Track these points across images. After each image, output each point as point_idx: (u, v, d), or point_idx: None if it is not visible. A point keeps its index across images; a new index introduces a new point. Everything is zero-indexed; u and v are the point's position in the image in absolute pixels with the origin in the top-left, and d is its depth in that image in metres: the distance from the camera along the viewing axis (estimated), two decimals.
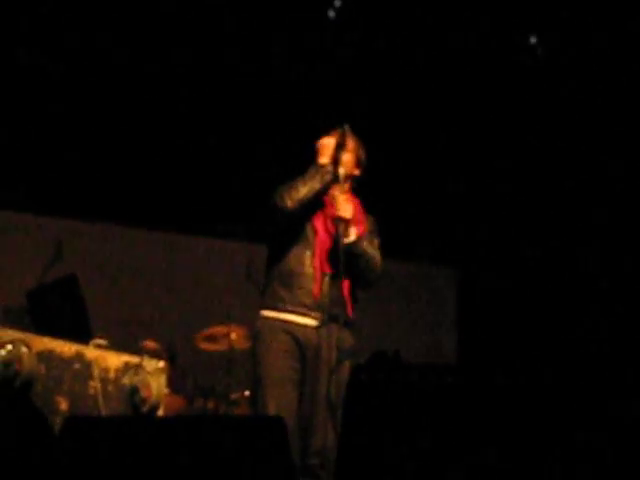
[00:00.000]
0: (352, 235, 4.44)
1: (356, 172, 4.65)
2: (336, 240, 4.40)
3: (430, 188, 9.19)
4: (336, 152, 4.50)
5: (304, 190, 4.38)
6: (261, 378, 4.32)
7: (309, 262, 4.42)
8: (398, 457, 3.65)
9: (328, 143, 4.54)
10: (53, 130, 8.08)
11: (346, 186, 4.56)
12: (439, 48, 8.25)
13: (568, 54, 8.19)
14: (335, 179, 4.47)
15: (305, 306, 4.37)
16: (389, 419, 3.86)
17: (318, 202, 4.49)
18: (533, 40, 8.25)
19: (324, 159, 4.50)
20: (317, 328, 4.35)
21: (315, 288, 4.38)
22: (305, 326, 4.36)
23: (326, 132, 4.61)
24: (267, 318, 4.43)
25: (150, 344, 7.21)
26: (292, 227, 4.46)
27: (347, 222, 4.42)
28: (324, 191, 4.46)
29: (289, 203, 4.35)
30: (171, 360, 7.15)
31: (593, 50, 7.98)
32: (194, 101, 8.37)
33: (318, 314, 4.36)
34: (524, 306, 8.88)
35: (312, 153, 4.57)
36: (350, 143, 4.56)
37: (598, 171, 8.32)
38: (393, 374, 4.25)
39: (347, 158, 4.54)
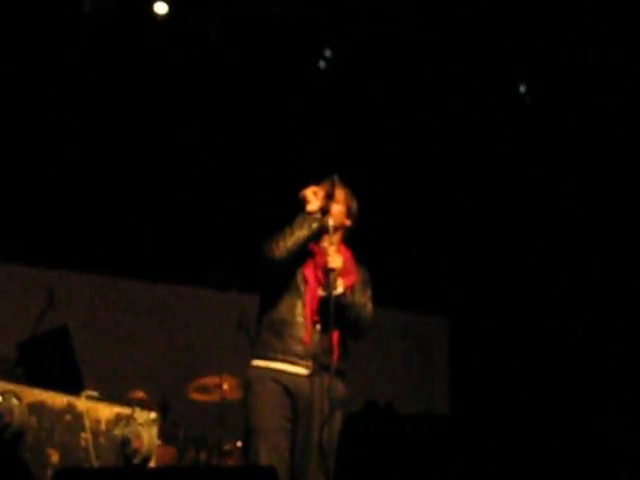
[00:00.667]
0: (339, 287, 4.44)
1: (347, 223, 4.66)
2: (326, 290, 4.41)
3: (420, 237, 9.21)
4: (326, 203, 4.52)
5: (292, 239, 4.40)
6: (253, 428, 4.30)
7: (300, 311, 4.42)
8: None
9: (315, 191, 4.56)
10: (44, 180, 8.11)
11: (336, 237, 4.57)
12: (430, 96, 8.32)
13: (557, 102, 8.26)
14: (323, 228, 4.48)
15: (296, 355, 4.36)
16: (381, 469, 3.83)
17: (307, 251, 4.50)
18: (522, 89, 8.31)
19: (311, 207, 4.52)
20: (308, 377, 4.34)
21: (306, 337, 4.38)
22: (296, 375, 4.35)
23: (316, 182, 4.63)
24: (258, 368, 4.42)
25: (139, 394, 7.18)
26: (283, 276, 4.47)
27: (336, 273, 4.43)
28: (312, 239, 4.48)
29: (277, 253, 4.37)
30: (163, 411, 7.11)
31: (582, 97, 8.06)
32: (184, 148, 8.41)
33: (309, 363, 4.35)
34: (517, 354, 8.87)
35: (299, 202, 4.58)
36: (340, 194, 4.58)
37: (590, 216, 8.37)
38: (386, 424, 4.23)
39: (337, 209, 4.56)
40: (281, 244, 4.38)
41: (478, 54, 8.04)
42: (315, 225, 4.46)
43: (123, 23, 7.63)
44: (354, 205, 4.69)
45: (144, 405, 6.93)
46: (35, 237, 8.20)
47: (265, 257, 4.41)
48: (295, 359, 4.36)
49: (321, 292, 4.43)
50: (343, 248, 4.62)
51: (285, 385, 4.33)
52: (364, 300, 4.54)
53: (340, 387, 4.42)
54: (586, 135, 8.21)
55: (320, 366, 4.35)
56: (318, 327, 4.41)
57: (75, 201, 8.25)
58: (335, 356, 4.38)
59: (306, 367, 4.35)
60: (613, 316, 8.10)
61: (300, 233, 4.42)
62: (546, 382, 8.44)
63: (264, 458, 4.19)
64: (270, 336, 4.43)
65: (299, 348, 4.37)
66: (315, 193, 4.55)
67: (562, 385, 8.29)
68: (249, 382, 4.42)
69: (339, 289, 4.44)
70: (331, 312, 4.30)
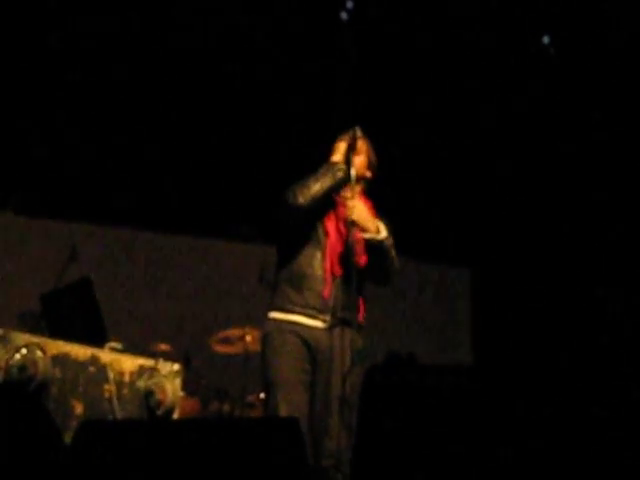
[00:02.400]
0: (383, 231, 4.43)
1: (368, 174, 4.64)
2: (347, 243, 4.39)
3: (443, 189, 9.18)
4: (347, 154, 4.49)
5: (316, 187, 4.35)
6: (271, 381, 4.30)
7: (319, 264, 4.40)
8: (413, 458, 3.64)
9: (341, 144, 4.54)
10: (66, 134, 8.10)
11: (358, 188, 4.55)
12: (451, 46, 8.25)
13: (581, 54, 8.18)
14: (347, 178, 4.45)
15: (314, 308, 4.35)
16: (404, 421, 3.85)
17: (329, 202, 4.48)
18: (546, 40, 8.23)
19: (336, 157, 4.50)
20: (326, 330, 4.34)
21: (325, 290, 4.36)
22: (314, 328, 4.34)
23: (338, 134, 4.61)
24: (275, 320, 4.42)
25: (162, 346, 7.22)
26: (304, 227, 4.45)
27: (360, 223, 4.41)
28: (337, 188, 4.44)
29: (302, 200, 4.32)
30: (186, 363, 7.15)
31: (606, 50, 7.97)
32: (208, 104, 8.38)
33: (327, 317, 4.34)
34: (538, 304, 8.86)
35: (326, 154, 4.57)
36: (361, 145, 4.55)
37: (611, 169, 8.31)
38: (408, 376, 4.24)
39: (358, 160, 4.54)
40: (306, 191, 4.33)
41: (501, 6, 7.97)
42: (340, 174, 4.42)
43: None
44: (374, 157, 4.67)
45: (167, 357, 7.02)
46: (57, 191, 8.22)
47: (289, 205, 4.33)
48: (313, 312, 4.35)
49: (365, 235, 4.40)
50: (364, 199, 4.60)
51: (303, 337, 4.32)
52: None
53: (359, 340, 4.42)
54: (610, 88, 8.13)
55: (339, 320, 4.34)
56: (338, 281, 4.40)
57: (97, 154, 8.25)
58: (360, 312, 4.38)
59: (324, 321, 4.34)
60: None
61: (325, 182, 4.37)
62: (568, 330, 8.43)
63: (283, 411, 4.20)
64: (288, 289, 4.42)
65: (317, 302, 4.35)
66: (340, 145, 4.54)
67: (585, 333, 8.28)
68: (267, 335, 4.42)
69: (383, 232, 4.42)
70: (353, 266, 4.29)
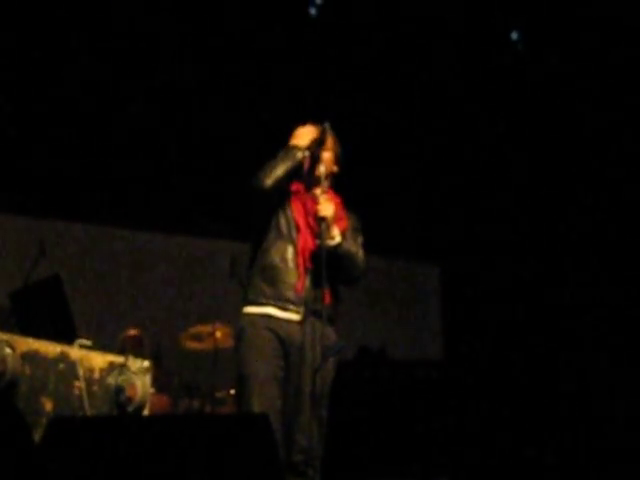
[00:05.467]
0: (337, 237, 4.45)
1: (335, 169, 4.66)
2: (319, 239, 4.41)
3: (409, 183, 9.21)
4: (316, 149, 4.51)
5: (279, 170, 4.41)
6: (245, 376, 4.31)
7: (292, 257, 4.43)
8: (384, 452, 3.66)
9: (305, 130, 4.57)
10: (36, 130, 8.06)
11: (326, 184, 4.56)
12: (421, 44, 8.28)
13: (550, 50, 8.23)
14: (312, 158, 4.50)
15: (288, 300, 4.37)
16: (375, 415, 3.87)
17: (287, 190, 4.52)
18: (515, 36, 8.28)
19: (296, 141, 4.53)
20: (300, 323, 4.35)
21: (298, 283, 4.38)
22: (288, 321, 4.36)
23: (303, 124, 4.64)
24: (249, 315, 4.42)
25: (132, 331, 7.22)
26: (269, 214, 4.49)
27: (328, 221, 4.43)
28: (295, 172, 4.48)
29: (268, 182, 4.38)
30: (156, 359, 7.14)
31: (576, 46, 8.02)
32: (177, 101, 8.36)
33: (301, 309, 4.36)
34: (508, 297, 8.91)
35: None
36: (329, 141, 4.58)
37: (581, 163, 8.37)
38: (379, 370, 4.26)
39: (327, 156, 4.56)
40: (270, 173, 4.39)
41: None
42: (300, 156, 4.47)
43: None
44: (340, 151, 4.69)
45: (135, 342, 7.01)
46: (26, 187, 8.17)
47: (257, 188, 4.39)
48: (287, 305, 4.37)
49: (317, 241, 4.44)
50: (332, 194, 4.62)
51: (277, 332, 4.34)
52: (355, 247, 4.55)
53: (331, 334, 4.44)
54: (579, 82, 8.18)
55: (312, 313, 4.36)
56: (310, 274, 4.41)
57: (66, 150, 8.20)
58: (327, 303, 4.39)
59: (297, 313, 4.36)
60: (610, 260, 8.12)
61: (287, 164, 4.43)
62: (537, 326, 8.49)
63: (256, 406, 4.20)
64: (261, 282, 4.43)
65: (291, 294, 4.37)
66: (308, 132, 4.56)
67: (553, 328, 8.34)
68: (241, 330, 4.43)
69: (337, 239, 4.44)
70: (323, 261, 4.30)
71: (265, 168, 4.43)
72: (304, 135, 4.57)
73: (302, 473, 4.23)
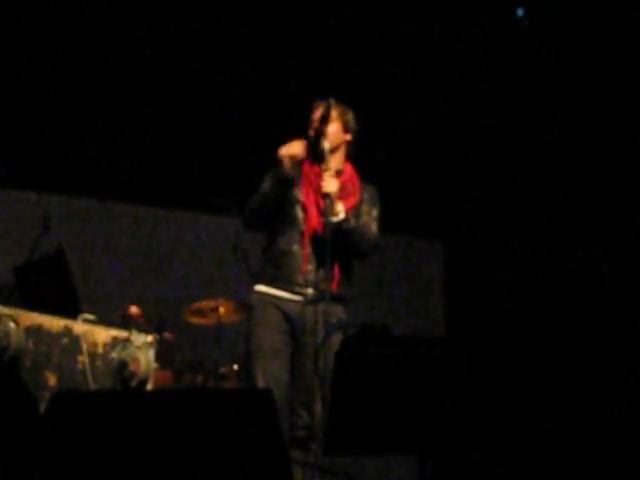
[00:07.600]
0: (341, 213, 4.44)
1: (347, 137, 4.62)
2: (324, 217, 4.41)
3: (414, 160, 9.17)
4: (320, 125, 4.49)
5: (255, 200, 4.51)
6: (251, 351, 4.33)
7: (297, 240, 4.44)
8: (387, 429, 3.66)
9: (289, 151, 4.49)
10: (39, 104, 8.03)
11: (334, 160, 4.54)
12: (427, 22, 8.25)
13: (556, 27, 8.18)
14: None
15: (295, 284, 4.40)
16: (377, 392, 3.86)
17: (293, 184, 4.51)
18: (520, 13, 8.23)
19: (279, 168, 4.49)
20: (307, 304, 4.37)
21: (303, 266, 4.39)
22: (295, 302, 4.38)
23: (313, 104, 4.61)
24: (259, 293, 4.47)
25: (133, 309, 7.23)
26: (280, 211, 4.50)
27: (332, 197, 4.42)
28: (285, 183, 4.45)
29: (248, 222, 4.60)
30: (159, 334, 7.15)
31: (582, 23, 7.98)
32: (181, 78, 8.33)
33: (307, 291, 4.38)
34: (513, 274, 8.89)
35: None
36: (333, 113, 4.53)
37: (587, 149, 8.32)
38: (381, 347, 4.25)
39: (332, 129, 4.53)
40: (248, 215, 4.58)
41: None
42: (277, 173, 4.44)
43: None
44: (351, 117, 4.64)
45: (137, 319, 7.02)
46: (30, 162, 8.15)
47: (245, 226, 4.63)
48: (294, 287, 4.40)
49: (323, 219, 4.44)
50: (348, 166, 4.60)
51: (285, 311, 4.37)
52: (368, 220, 4.54)
53: (338, 312, 4.45)
54: (585, 60, 8.13)
55: (320, 293, 4.37)
56: (317, 255, 4.42)
57: (71, 125, 8.18)
58: (334, 282, 4.40)
59: (305, 295, 4.38)
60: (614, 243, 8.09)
61: (265, 187, 4.51)
62: (543, 304, 8.47)
63: (260, 381, 4.24)
64: (270, 268, 4.50)
65: (298, 277, 4.40)
66: (289, 152, 4.49)
67: (558, 305, 8.32)
68: (251, 306, 4.47)
69: (340, 215, 4.43)
70: (327, 239, 4.30)
71: (249, 205, 4.54)
72: (286, 158, 4.47)
73: (305, 448, 4.26)
